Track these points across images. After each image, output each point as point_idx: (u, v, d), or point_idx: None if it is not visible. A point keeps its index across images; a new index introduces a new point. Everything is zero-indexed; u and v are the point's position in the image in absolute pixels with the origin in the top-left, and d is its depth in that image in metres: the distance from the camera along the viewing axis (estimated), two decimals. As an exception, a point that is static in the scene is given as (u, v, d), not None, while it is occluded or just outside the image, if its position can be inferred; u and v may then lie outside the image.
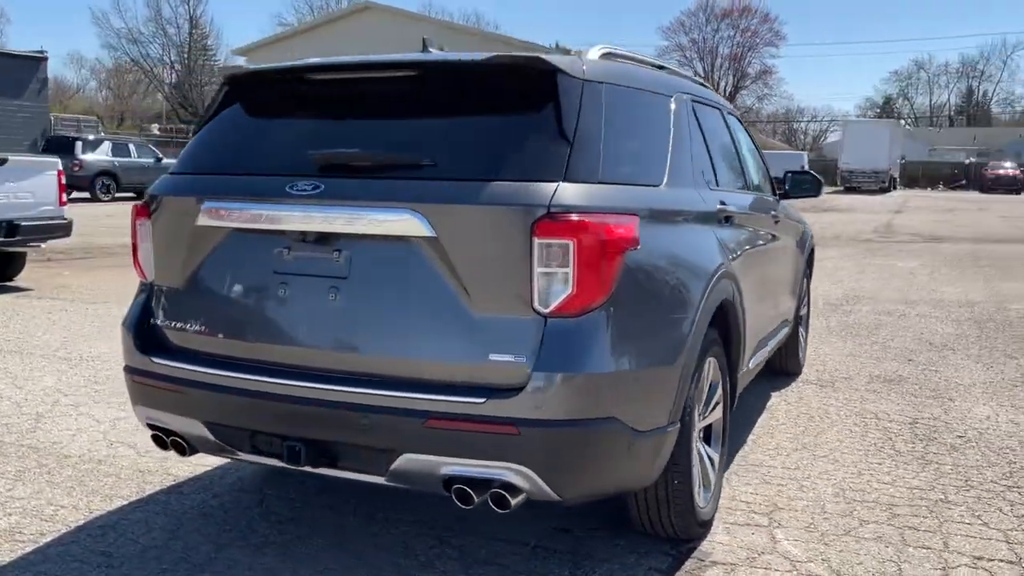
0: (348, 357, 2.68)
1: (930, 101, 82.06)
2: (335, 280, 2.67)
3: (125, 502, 3.63)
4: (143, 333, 3.05)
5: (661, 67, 3.89)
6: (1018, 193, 42.83)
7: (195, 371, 2.85)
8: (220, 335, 2.88)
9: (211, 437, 2.87)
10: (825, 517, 3.52)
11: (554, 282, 2.46)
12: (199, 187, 2.93)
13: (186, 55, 61.67)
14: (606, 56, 3.17)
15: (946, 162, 50.83)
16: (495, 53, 2.70)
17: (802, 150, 59.88)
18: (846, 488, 3.84)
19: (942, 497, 3.75)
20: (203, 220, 2.86)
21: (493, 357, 2.50)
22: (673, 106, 3.37)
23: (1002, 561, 3.15)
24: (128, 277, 9.92)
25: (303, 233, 2.71)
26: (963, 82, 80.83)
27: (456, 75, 2.87)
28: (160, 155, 24.48)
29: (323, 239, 2.68)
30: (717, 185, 3.70)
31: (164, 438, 3.02)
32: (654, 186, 2.99)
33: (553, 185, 2.50)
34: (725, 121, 4.30)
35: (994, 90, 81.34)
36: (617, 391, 2.55)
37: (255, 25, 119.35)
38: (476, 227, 2.51)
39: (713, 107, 4.11)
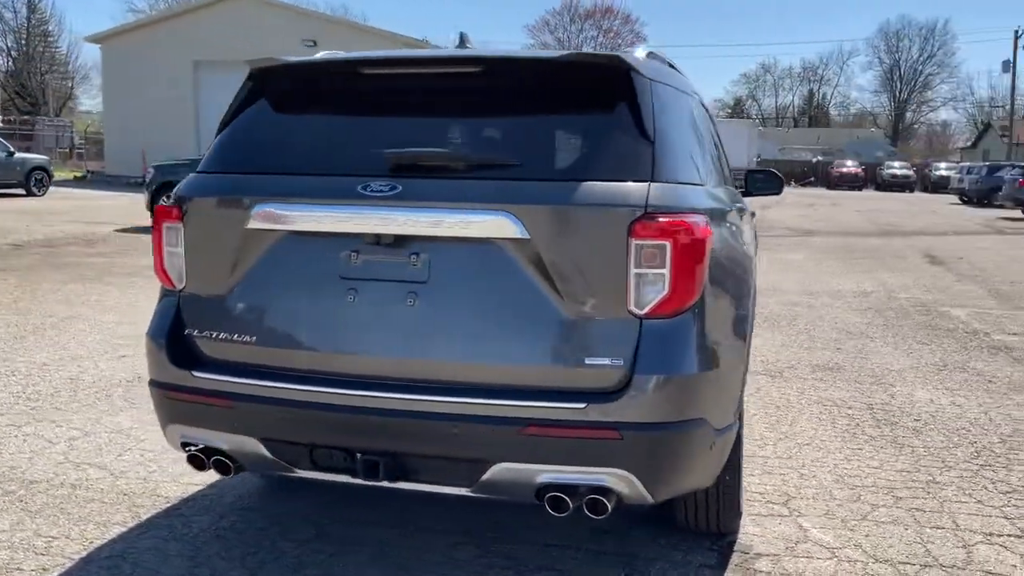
0: (431, 365, 2.56)
1: (776, 103, 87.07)
2: (413, 285, 2.55)
3: (123, 529, 3.34)
4: (176, 345, 2.81)
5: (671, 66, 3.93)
6: (861, 189, 46.14)
7: (251, 384, 2.65)
8: (276, 345, 2.69)
9: (268, 455, 2.69)
10: (838, 504, 3.66)
11: (649, 283, 2.44)
12: (251, 188, 2.72)
13: (24, 41, 57.29)
14: (650, 56, 3.17)
15: (796, 160, 53.98)
16: (571, 51, 2.64)
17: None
18: (843, 474, 4.01)
19: (931, 478, 3.98)
20: (256, 223, 2.66)
21: (589, 361, 2.45)
22: (694, 106, 3.42)
23: (1011, 536, 3.37)
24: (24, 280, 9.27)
25: (378, 236, 2.56)
26: (805, 85, 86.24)
27: (530, 73, 2.78)
28: (11, 148, 22.51)
29: (399, 242, 2.55)
30: (724, 182, 3.78)
31: (203, 458, 2.79)
32: (703, 185, 3.02)
33: (645, 185, 2.47)
34: (710, 118, 4.39)
35: (832, 93, 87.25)
36: (706, 391, 2.56)
37: (104, 11, 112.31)
38: (571, 228, 2.45)
39: (704, 106, 4.19)
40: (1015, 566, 3.13)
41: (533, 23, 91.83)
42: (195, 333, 2.81)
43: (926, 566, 3.11)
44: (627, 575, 3.02)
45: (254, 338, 2.72)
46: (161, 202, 2.94)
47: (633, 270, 2.43)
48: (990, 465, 4.18)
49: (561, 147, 2.61)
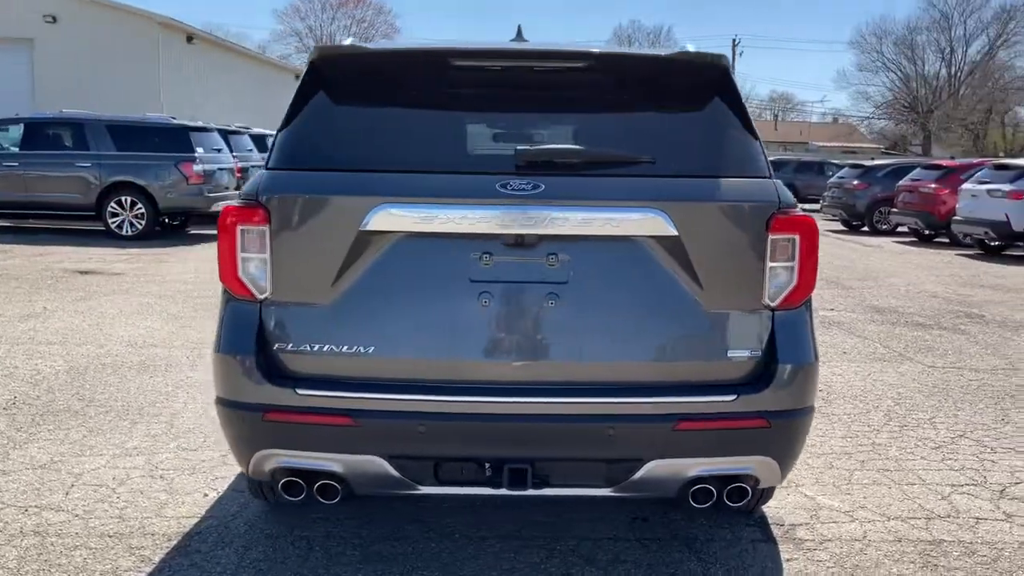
0: (577, 367, 2.50)
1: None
2: (553, 286, 2.47)
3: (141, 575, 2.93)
4: (264, 360, 2.51)
5: None
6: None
7: (377, 399, 2.44)
8: (399, 355, 2.50)
9: (393, 473, 2.49)
10: (820, 472, 4.01)
11: (782, 276, 2.55)
12: (371, 187, 2.48)
13: None
14: None
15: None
16: (678, 50, 2.67)
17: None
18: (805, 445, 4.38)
19: (872, 442, 4.46)
20: (377, 224, 2.44)
21: (731, 353, 2.53)
22: None
23: (970, 484, 3.88)
24: None
25: (521, 236, 2.45)
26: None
27: (639, 69, 2.76)
28: None
29: (538, 242, 2.46)
30: None
31: (302, 484, 2.53)
32: None
33: (770, 181, 2.58)
34: None
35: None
36: (816, 378, 2.72)
37: None
38: (715, 224, 2.50)
39: None
40: (991, 510, 3.61)
41: (282, 8, 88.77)
42: (287, 347, 2.53)
43: (929, 519, 3.51)
44: (700, 559, 3.12)
45: (371, 348, 2.50)
46: (231, 202, 2.61)
47: (770, 264, 2.53)
48: (907, 425, 4.75)
49: (688, 144, 2.63)
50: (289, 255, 2.52)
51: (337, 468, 2.51)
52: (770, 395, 2.50)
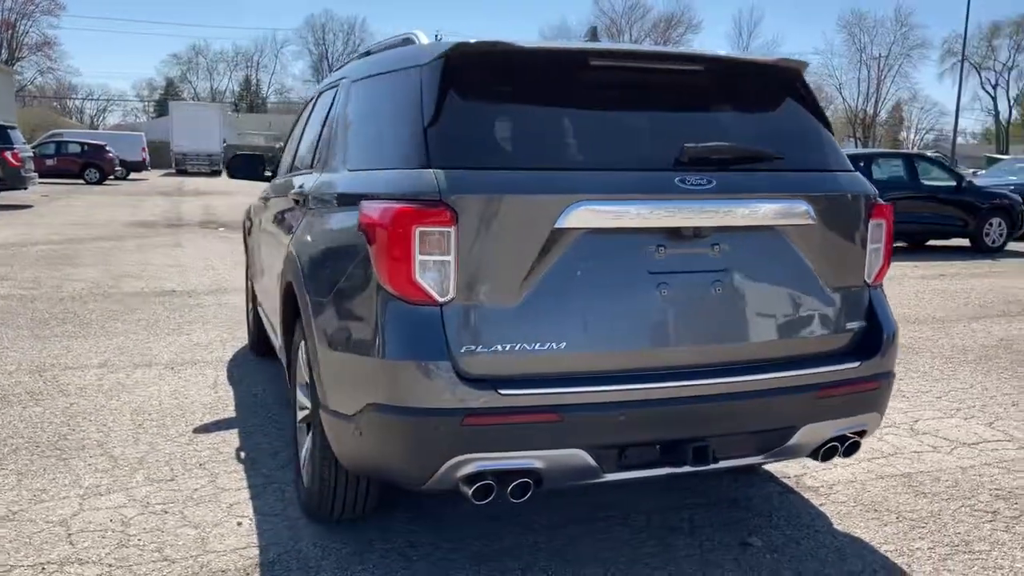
0: (739, 347, 2.70)
1: (211, 86, 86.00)
2: (716, 274, 2.65)
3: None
4: (455, 364, 2.43)
5: None
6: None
7: (578, 392, 2.47)
8: (591, 348, 2.53)
9: (591, 463, 2.52)
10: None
11: (876, 256, 2.95)
12: (567, 185, 2.48)
13: None
14: None
15: (260, 146, 54.37)
16: (783, 57, 2.96)
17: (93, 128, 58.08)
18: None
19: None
20: (573, 221, 2.46)
21: (848, 325, 2.88)
22: None
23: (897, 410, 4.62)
24: None
25: (696, 229, 2.60)
26: (241, 71, 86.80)
27: (747, 73, 2.97)
28: None
29: (705, 234, 2.62)
30: None
31: (493, 486, 2.48)
32: None
33: (859, 174, 2.97)
34: None
35: (269, 80, 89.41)
36: None
37: None
38: (837, 212, 2.82)
39: None
40: (918, 444, 4.36)
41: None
42: (476, 348, 2.46)
43: (887, 456, 4.16)
44: (757, 513, 3.47)
45: (564, 344, 2.51)
46: (402, 204, 2.45)
47: (870, 246, 2.91)
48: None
49: (801, 141, 2.90)
50: (475, 256, 2.46)
51: (539, 464, 2.49)
52: (879, 360, 2.89)
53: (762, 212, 2.69)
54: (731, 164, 2.70)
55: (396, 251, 2.45)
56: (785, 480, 3.85)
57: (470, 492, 2.49)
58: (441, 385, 2.42)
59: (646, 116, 2.80)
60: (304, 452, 3.39)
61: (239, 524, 3.30)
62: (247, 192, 26.02)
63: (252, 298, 5.79)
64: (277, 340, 4.22)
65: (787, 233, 2.76)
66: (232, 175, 5.29)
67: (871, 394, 2.88)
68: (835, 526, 3.38)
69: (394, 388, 2.47)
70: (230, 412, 4.74)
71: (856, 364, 2.83)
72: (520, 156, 2.58)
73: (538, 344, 2.49)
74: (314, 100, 4.40)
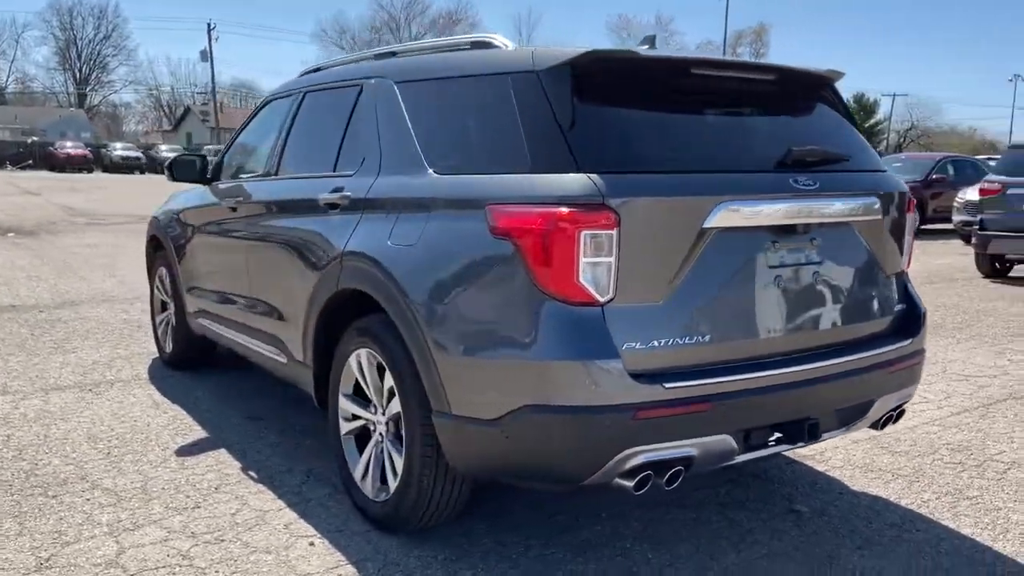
0: (834, 331, 2.97)
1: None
2: (816, 265, 2.90)
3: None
4: (624, 362, 2.51)
5: None
6: (91, 172, 44.72)
7: (724, 382, 2.63)
8: (730, 339, 2.72)
9: (735, 447, 2.69)
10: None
11: (908, 247, 3.35)
12: (713, 187, 2.63)
13: None
14: None
15: (9, 141, 49.00)
16: (829, 68, 3.26)
17: None
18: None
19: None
20: (719, 221, 2.61)
21: (896, 308, 3.25)
22: None
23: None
24: None
25: (806, 225, 2.83)
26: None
27: (801, 83, 3.22)
28: None
29: (808, 229, 2.87)
30: None
31: (652, 475, 2.60)
32: None
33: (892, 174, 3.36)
34: None
35: (10, 68, 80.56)
36: None
37: None
38: (888, 208, 3.16)
39: None
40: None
41: None
42: (636, 345, 2.55)
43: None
44: (780, 482, 3.80)
45: (707, 337, 2.65)
46: (563, 208, 2.48)
47: (907, 238, 3.31)
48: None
49: (851, 144, 3.21)
50: (633, 256, 2.54)
51: (694, 452, 2.62)
52: (920, 338, 3.29)
53: (850, 209, 2.99)
54: (820, 166, 2.97)
55: (559, 254, 2.49)
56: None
57: (632, 484, 2.59)
58: (612, 382, 2.49)
59: (749, 121, 3.02)
60: (363, 463, 3.30)
61: (312, 544, 3.15)
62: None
63: (179, 310, 5.38)
64: (274, 353, 4.02)
65: (862, 227, 3.07)
66: (174, 177, 4.93)
67: (917, 368, 3.28)
68: (852, 487, 3.78)
69: (559, 388, 2.50)
70: (199, 432, 4.42)
71: (908, 342, 3.21)
72: (662, 160, 2.70)
73: (687, 338, 2.63)
74: (298, 101, 4.21)
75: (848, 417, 3.07)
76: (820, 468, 4.01)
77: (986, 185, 10.96)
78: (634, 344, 2.56)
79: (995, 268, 11.00)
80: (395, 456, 3.11)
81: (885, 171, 3.28)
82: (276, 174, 4.23)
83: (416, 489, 2.98)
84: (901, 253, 3.30)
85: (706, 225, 2.63)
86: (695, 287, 2.65)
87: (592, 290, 2.52)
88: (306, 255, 3.63)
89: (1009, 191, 10.52)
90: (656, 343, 2.59)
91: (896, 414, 3.27)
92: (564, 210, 2.49)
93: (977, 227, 10.79)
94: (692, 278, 2.65)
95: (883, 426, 3.26)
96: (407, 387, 2.95)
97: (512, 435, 2.62)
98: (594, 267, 2.51)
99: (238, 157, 4.94)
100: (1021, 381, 5.69)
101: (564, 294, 2.51)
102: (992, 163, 16.71)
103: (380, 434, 3.22)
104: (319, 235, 3.54)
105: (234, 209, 4.49)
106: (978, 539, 3.28)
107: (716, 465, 2.79)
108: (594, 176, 2.53)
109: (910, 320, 3.30)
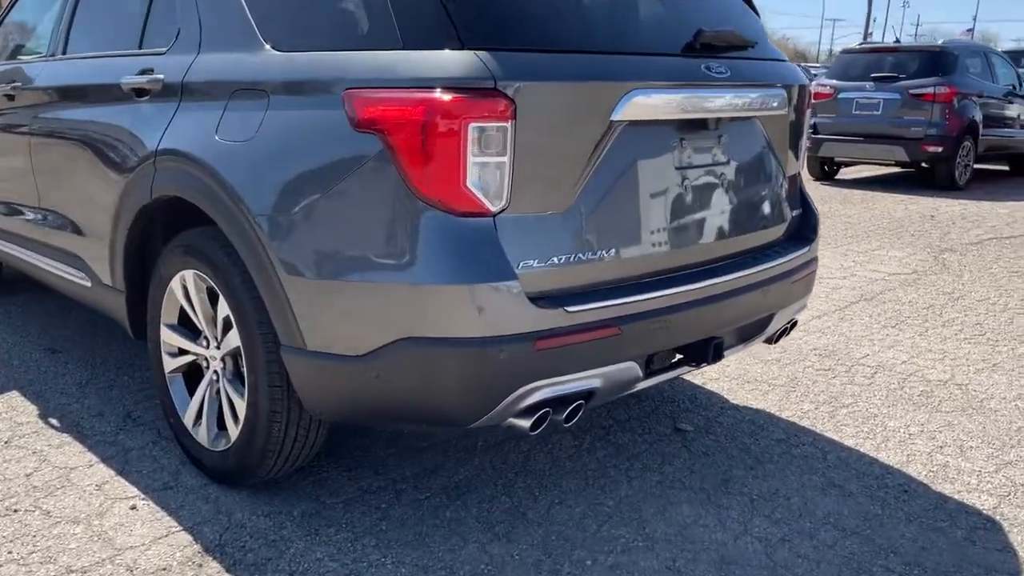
0: (740, 241, 2.65)
1: None
2: (721, 167, 2.56)
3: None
4: (521, 284, 2.08)
5: None
6: None
7: (632, 302, 2.26)
8: (637, 254, 2.32)
9: (639, 374, 2.36)
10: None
11: (805, 146, 3.08)
12: (623, 71, 2.16)
13: None
14: None
15: None
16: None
17: None
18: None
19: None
20: (627, 113, 2.17)
21: (793, 212, 2.99)
22: None
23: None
24: None
25: (717, 120, 2.46)
26: None
27: None
28: None
29: (713, 125, 2.50)
30: None
31: (550, 414, 2.23)
32: None
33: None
34: None
35: None
36: None
37: None
38: (793, 102, 2.84)
39: None
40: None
41: None
42: (533, 263, 2.12)
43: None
44: (663, 402, 3.57)
45: (612, 251, 2.26)
46: (445, 94, 1.96)
47: (804, 136, 3.03)
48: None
49: (758, 29, 2.84)
50: (531, 155, 2.07)
51: (597, 384, 2.25)
52: (816, 244, 3.05)
53: (761, 101, 2.64)
54: (729, 52, 2.60)
55: (440, 153, 2.00)
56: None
57: (528, 424, 2.21)
58: (507, 308, 2.07)
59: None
60: (194, 406, 2.76)
61: (134, 508, 2.60)
62: None
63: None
64: (75, 276, 3.32)
65: (763, 123, 2.75)
66: None
67: (812, 277, 3.06)
68: (733, 401, 3.60)
69: (441, 316, 2.06)
70: (-19, 370, 3.67)
71: (806, 249, 2.97)
72: (563, 36, 2.21)
73: (590, 253, 2.23)
74: None
75: (749, 333, 2.81)
76: (697, 381, 3.82)
77: (818, 89, 11.19)
78: (531, 262, 2.13)
79: (824, 171, 11.36)
80: (235, 398, 2.59)
81: (786, 60, 2.96)
82: (64, 52, 3.42)
83: (264, 436, 2.48)
84: (798, 154, 3.03)
85: (614, 117, 2.21)
86: (598, 193, 2.24)
87: (481, 197, 2.05)
88: (108, 155, 2.93)
89: (840, 95, 10.78)
90: (556, 259, 2.18)
91: (790, 326, 3.06)
92: (446, 96, 1.99)
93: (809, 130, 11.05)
94: (595, 182, 2.23)
95: (777, 340, 3.04)
96: (248, 318, 2.41)
97: (384, 374, 2.16)
98: (484, 168, 2.04)
99: (14, 33, 4.02)
100: (868, 282, 5.78)
101: (447, 202, 2.04)
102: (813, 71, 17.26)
103: (215, 372, 2.67)
104: (123, 129, 2.85)
105: (10, 97, 3.64)
106: (863, 450, 3.17)
107: (617, 395, 2.45)
108: (483, 54, 2.03)
109: (806, 226, 3.07)
